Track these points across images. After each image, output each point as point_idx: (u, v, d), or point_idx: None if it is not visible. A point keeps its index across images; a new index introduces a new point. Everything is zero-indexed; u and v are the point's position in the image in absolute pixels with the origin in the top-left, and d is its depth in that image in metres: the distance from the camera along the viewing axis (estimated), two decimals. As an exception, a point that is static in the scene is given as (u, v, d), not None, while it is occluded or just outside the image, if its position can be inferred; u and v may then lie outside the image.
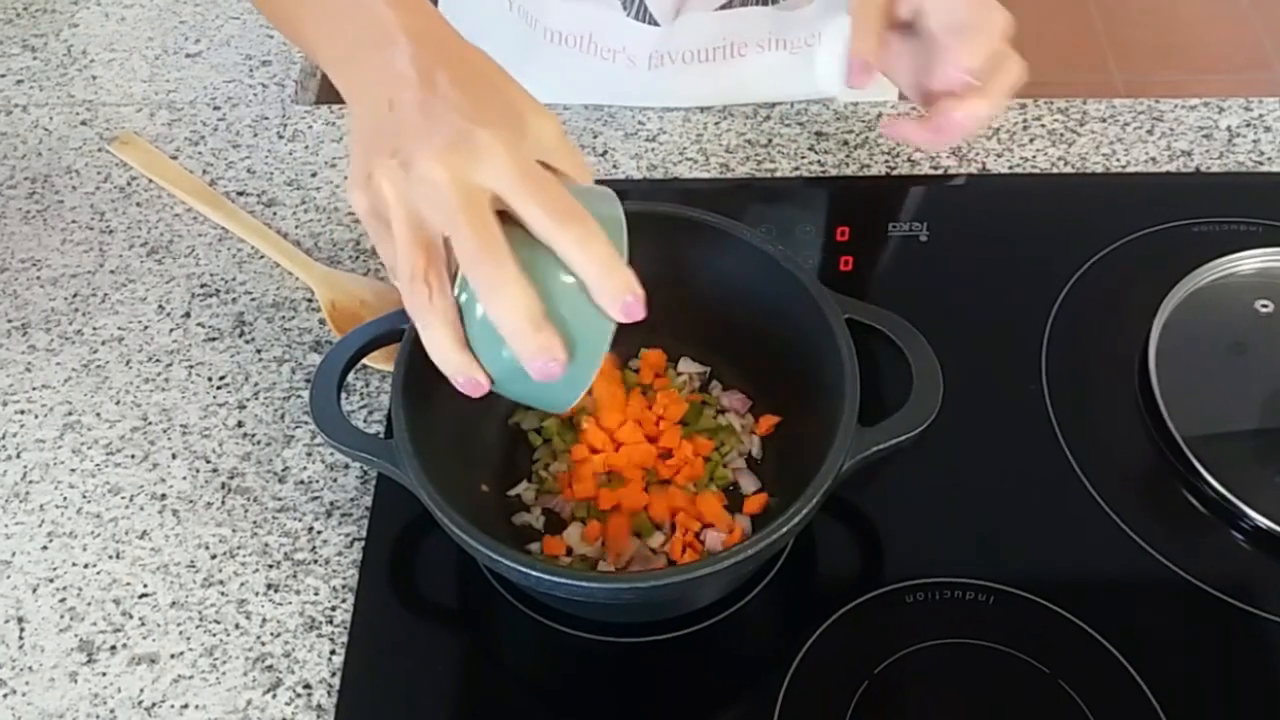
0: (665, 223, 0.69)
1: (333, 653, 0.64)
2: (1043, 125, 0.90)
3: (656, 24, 0.87)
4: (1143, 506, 0.69)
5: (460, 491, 0.62)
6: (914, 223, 0.83)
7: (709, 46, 0.90)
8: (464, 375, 0.56)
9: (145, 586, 0.67)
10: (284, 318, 0.79)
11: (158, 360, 0.77)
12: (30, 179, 0.88)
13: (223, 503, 0.70)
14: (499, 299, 0.52)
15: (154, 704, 0.63)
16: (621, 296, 0.52)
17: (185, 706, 0.63)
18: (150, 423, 0.74)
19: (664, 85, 0.91)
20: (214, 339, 0.78)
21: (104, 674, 0.64)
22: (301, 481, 0.71)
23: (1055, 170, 0.87)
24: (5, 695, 0.63)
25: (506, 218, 0.53)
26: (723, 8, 0.88)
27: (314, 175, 0.87)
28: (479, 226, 0.52)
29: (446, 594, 0.68)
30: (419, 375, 0.63)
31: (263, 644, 0.65)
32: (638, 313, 0.53)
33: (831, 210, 0.84)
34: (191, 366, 0.77)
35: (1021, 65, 0.73)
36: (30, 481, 0.71)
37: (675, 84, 0.91)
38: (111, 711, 0.63)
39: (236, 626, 0.65)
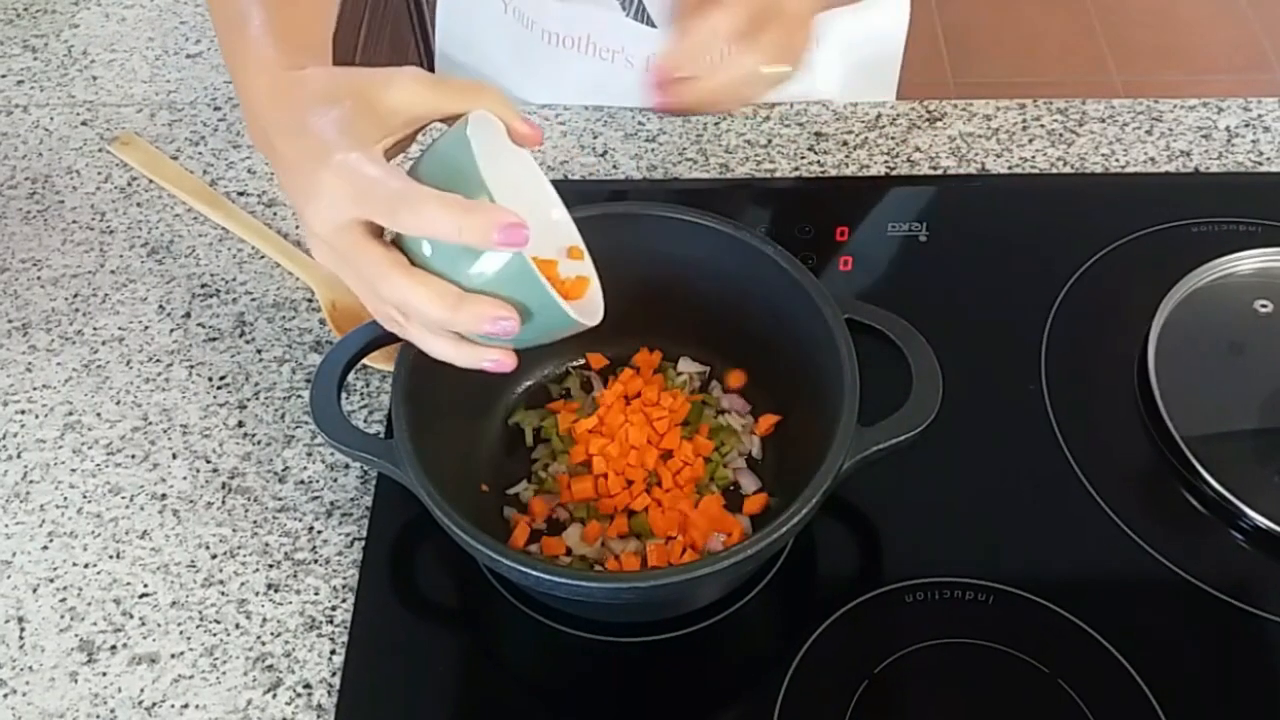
0: (664, 223, 0.69)
1: (333, 653, 0.64)
2: (1042, 125, 0.90)
3: (654, 25, 0.87)
4: (1142, 506, 0.69)
5: (460, 491, 0.62)
6: (914, 223, 0.83)
7: None
8: (482, 362, 0.57)
9: (145, 586, 0.67)
10: (284, 318, 0.79)
11: (158, 360, 0.77)
12: (31, 179, 0.88)
13: (223, 503, 0.70)
14: (414, 308, 0.54)
15: (154, 704, 0.63)
16: (490, 234, 0.52)
17: (185, 706, 0.63)
18: (150, 423, 0.74)
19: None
20: (214, 339, 0.78)
21: (104, 674, 0.64)
22: (302, 481, 0.71)
23: (1054, 170, 0.87)
24: (5, 695, 0.63)
25: None
26: None
27: (314, 175, 0.87)
28: (360, 261, 0.55)
29: (446, 594, 0.68)
30: (419, 375, 0.63)
31: (263, 644, 0.65)
32: (517, 237, 0.52)
33: (831, 210, 0.84)
34: (192, 366, 0.77)
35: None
36: (31, 481, 0.72)
37: None
38: (111, 711, 0.63)
39: (237, 626, 0.65)
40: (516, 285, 0.54)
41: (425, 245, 0.54)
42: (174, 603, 0.66)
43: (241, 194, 0.86)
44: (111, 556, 0.68)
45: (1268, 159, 0.87)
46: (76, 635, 0.65)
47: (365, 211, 0.54)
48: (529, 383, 0.73)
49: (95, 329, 0.79)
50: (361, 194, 0.53)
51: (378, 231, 0.55)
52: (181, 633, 0.65)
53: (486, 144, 0.55)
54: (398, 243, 0.56)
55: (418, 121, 0.57)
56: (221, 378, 0.76)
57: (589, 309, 0.60)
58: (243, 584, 0.67)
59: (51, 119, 0.92)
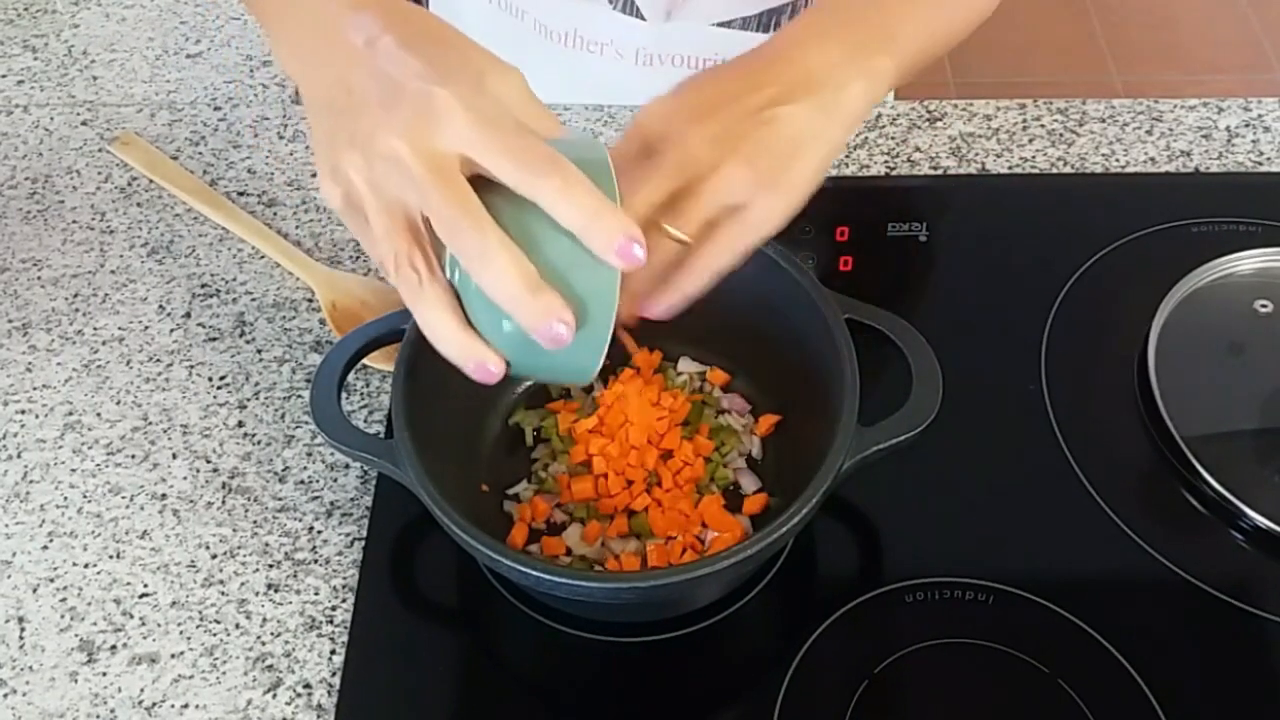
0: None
1: (333, 653, 0.64)
2: (1042, 125, 0.90)
3: (643, 18, 0.87)
4: (1142, 506, 0.69)
5: (460, 491, 0.62)
6: (914, 223, 0.83)
7: (702, 56, 0.90)
8: (472, 360, 0.52)
9: (145, 586, 0.67)
10: (284, 318, 0.79)
11: (158, 360, 0.77)
12: (31, 179, 0.88)
13: (223, 502, 0.70)
14: (487, 267, 0.49)
15: (154, 704, 0.63)
16: (614, 240, 0.49)
17: (185, 706, 0.63)
18: (151, 423, 0.74)
19: (656, 83, 0.90)
20: (214, 339, 0.78)
21: (104, 674, 0.64)
22: (302, 481, 0.71)
23: (1055, 170, 0.87)
24: (5, 695, 0.63)
25: (487, 181, 0.51)
26: (721, 25, 0.88)
27: (314, 175, 0.87)
28: (450, 194, 0.49)
29: (446, 594, 0.68)
30: (419, 375, 0.63)
31: (263, 644, 0.65)
32: (637, 256, 0.49)
33: (831, 210, 0.84)
34: (192, 366, 0.77)
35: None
36: (31, 481, 0.72)
37: (668, 83, 0.90)
38: (112, 711, 0.63)
39: (237, 626, 0.65)
40: (588, 300, 0.51)
41: (516, 220, 0.50)
42: (174, 603, 0.66)
43: (241, 194, 0.86)
44: (111, 556, 0.68)
45: (1268, 159, 0.87)
46: (76, 635, 0.65)
47: (492, 155, 0.49)
48: (529, 383, 0.73)
49: (95, 329, 0.79)
50: (495, 137, 0.49)
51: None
52: (181, 633, 0.65)
53: (612, 173, 0.52)
54: None
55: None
56: (221, 378, 0.76)
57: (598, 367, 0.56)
58: (243, 584, 0.67)
59: (51, 119, 0.92)
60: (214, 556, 0.68)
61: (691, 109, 0.57)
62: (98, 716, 0.62)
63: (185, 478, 0.71)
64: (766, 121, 0.56)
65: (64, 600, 0.67)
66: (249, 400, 0.75)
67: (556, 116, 0.54)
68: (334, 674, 0.64)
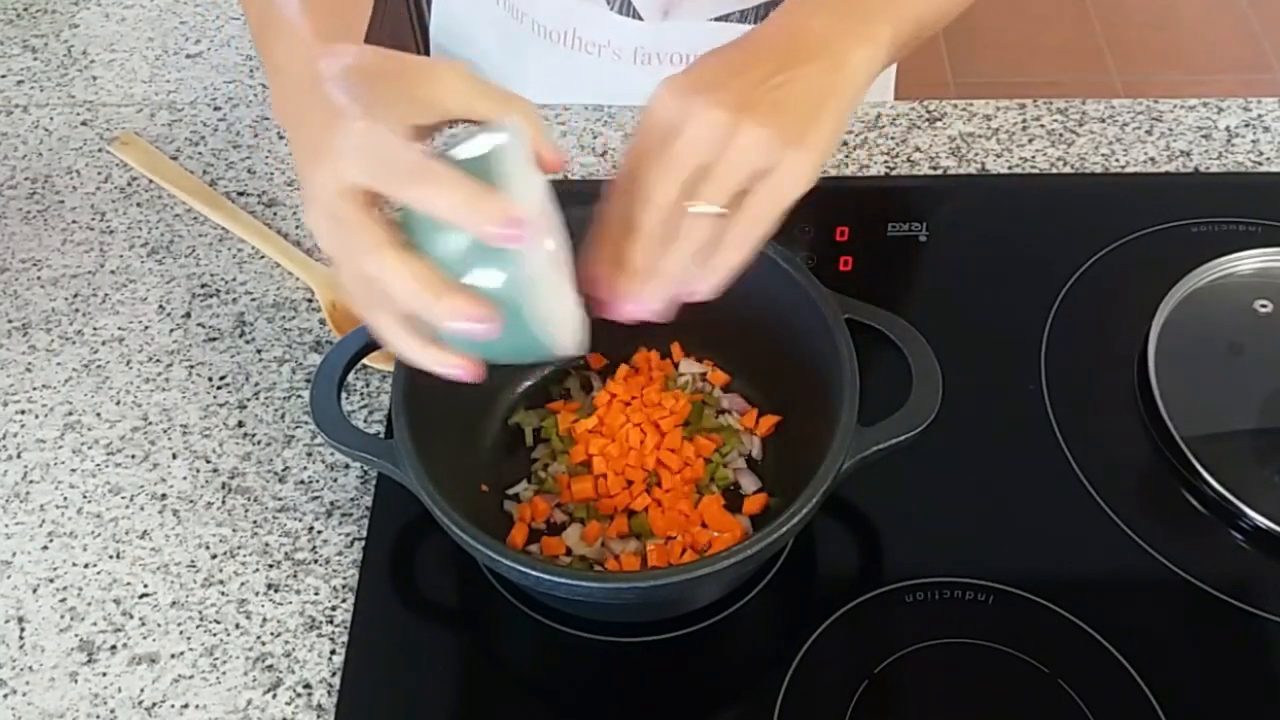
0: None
1: (333, 653, 0.64)
2: (1042, 125, 0.90)
3: (640, 18, 0.87)
4: (1142, 506, 0.69)
5: (460, 491, 0.62)
6: (913, 223, 0.83)
7: (700, 52, 0.90)
8: (443, 366, 0.53)
9: (145, 586, 0.67)
10: (284, 318, 0.79)
11: (158, 360, 0.77)
12: (31, 179, 0.88)
13: (223, 503, 0.70)
14: (394, 286, 0.50)
15: (154, 704, 0.63)
16: (493, 226, 0.49)
17: (185, 706, 0.63)
18: (150, 423, 0.74)
19: (655, 83, 0.90)
20: (214, 339, 0.78)
21: (104, 674, 0.64)
22: (302, 481, 0.71)
23: (1054, 170, 0.87)
24: (5, 695, 0.63)
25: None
26: (718, 20, 0.88)
27: (314, 175, 0.87)
28: (350, 230, 0.51)
29: (446, 594, 0.68)
30: (419, 375, 0.62)
31: (263, 644, 0.65)
32: (516, 235, 0.49)
33: (831, 210, 0.84)
34: (192, 366, 0.77)
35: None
36: (31, 481, 0.72)
37: None
38: (111, 711, 0.63)
39: (237, 626, 0.65)
40: (507, 290, 0.51)
41: (426, 233, 0.52)
42: (174, 603, 0.66)
43: (241, 194, 0.86)
44: (111, 556, 0.68)
45: (1268, 159, 0.87)
46: (76, 635, 0.65)
47: (373, 178, 0.51)
48: (529, 383, 0.73)
49: (95, 329, 0.79)
50: (373, 161, 0.51)
51: (377, 206, 0.52)
52: (181, 633, 0.65)
53: (513, 154, 0.53)
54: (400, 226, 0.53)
55: (449, 115, 0.54)
56: (221, 378, 0.76)
57: (568, 338, 0.56)
58: (243, 584, 0.67)
59: (51, 119, 0.92)
60: (214, 556, 0.68)
61: (700, 85, 0.56)
62: (98, 716, 0.63)
63: (185, 478, 0.71)
64: (777, 86, 0.55)
65: (64, 600, 0.67)
66: (249, 400, 0.75)
67: (505, 93, 0.55)
68: (334, 674, 0.64)
